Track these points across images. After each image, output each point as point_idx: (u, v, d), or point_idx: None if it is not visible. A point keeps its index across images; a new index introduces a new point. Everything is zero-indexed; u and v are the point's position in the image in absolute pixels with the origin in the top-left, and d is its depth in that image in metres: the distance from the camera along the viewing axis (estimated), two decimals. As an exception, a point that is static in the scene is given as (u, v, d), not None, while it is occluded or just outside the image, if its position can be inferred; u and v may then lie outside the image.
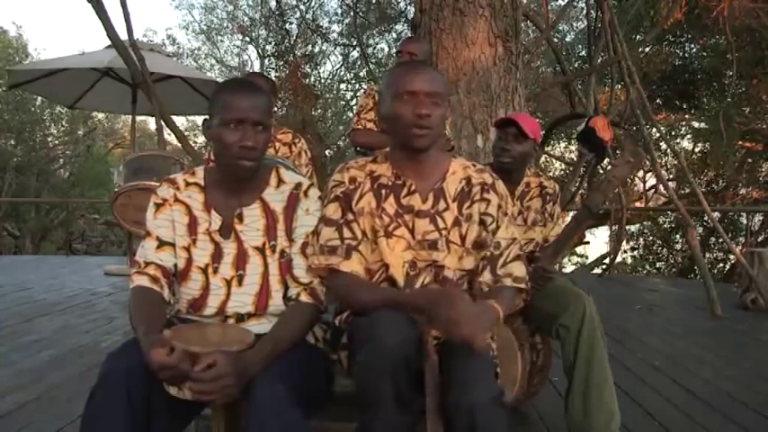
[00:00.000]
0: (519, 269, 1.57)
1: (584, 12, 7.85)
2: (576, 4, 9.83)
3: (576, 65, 10.91)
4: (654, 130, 8.65)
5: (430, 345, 1.35)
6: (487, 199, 1.58)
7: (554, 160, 13.46)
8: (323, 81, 14.61)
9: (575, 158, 9.19)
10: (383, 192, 1.55)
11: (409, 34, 5.76)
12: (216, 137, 1.48)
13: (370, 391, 1.29)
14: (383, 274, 1.54)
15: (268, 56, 13.80)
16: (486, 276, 1.55)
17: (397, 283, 1.52)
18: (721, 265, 11.15)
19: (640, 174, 12.61)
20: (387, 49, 13.34)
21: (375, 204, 1.54)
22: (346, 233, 1.51)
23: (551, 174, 13.01)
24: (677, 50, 10.91)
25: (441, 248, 1.53)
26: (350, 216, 1.53)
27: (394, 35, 12.75)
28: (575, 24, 12.33)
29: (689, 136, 12.37)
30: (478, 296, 1.54)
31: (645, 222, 12.24)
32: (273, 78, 12.06)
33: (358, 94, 13.83)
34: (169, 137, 7.01)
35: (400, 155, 1.56)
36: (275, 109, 4.13)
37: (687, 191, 9.86)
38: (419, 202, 1.54)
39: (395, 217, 1.54)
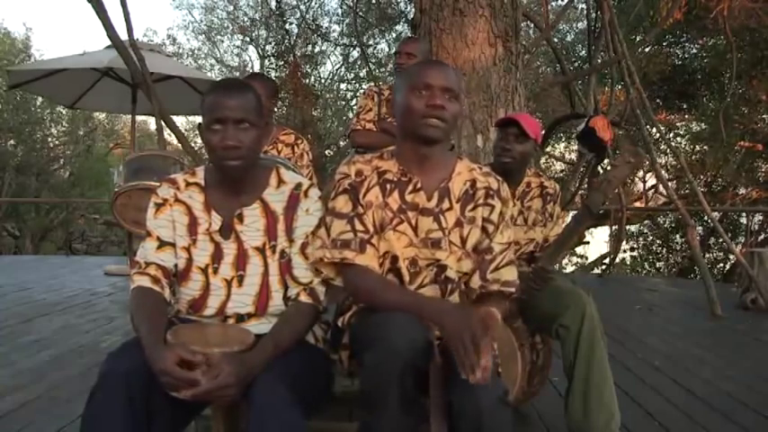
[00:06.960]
0: (510, 273, 1.57)
1: (585, 12, 7.84)
2: (576, 4, 9.82)
3: (575, 65, 10.90)
4: (654, 130, 8.64)
5: (435, 346, 1.34)
6: (491, 205, 1.57)
7: (554, 160, 13.46)
8: (323, 81, 14.62)
9: (575, 158, 9.19)
10: (388, 186, 1.55)
11: (409, 34, 5.76)
12: (204, 140, 1.48)
13: (376, 392, 1.29)
14: (388, 265, 1.53)
15: (268, 56, 13.81)
16: (475, 280, 1.55)
17: (403, 276, 1.52)
18: (721, 265, 11.15)
19: (640, 174, 12.60)
20: (387, 49, 13.37)
21: (381, 198, 1.54)
22: (358, 226, 1.50)
23: (551, 174, 13.00)
24: (677, 51, 10.92)
25: (444, 248, 1.52)
26: (360, 209, 1.52)
27: (394, 35, 12.78)
28: (575, 24, 12.33)
29: (688, 136, 12.36)
30: (471, 301, 1.55)
31: (645, 222, 12.23)
32: (274, 78, 12.07)
33: (358, 94, 13.83)
34: (169, 137, 7.02)
35: (407, 151, 1.55)
36: (275, 109, 4.13)
37: (687, 191, 9.85)
38: (424, 200, 1.54)
39: (397, 212, 1.53)
